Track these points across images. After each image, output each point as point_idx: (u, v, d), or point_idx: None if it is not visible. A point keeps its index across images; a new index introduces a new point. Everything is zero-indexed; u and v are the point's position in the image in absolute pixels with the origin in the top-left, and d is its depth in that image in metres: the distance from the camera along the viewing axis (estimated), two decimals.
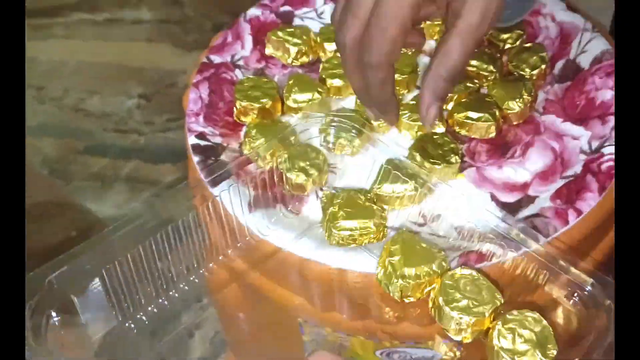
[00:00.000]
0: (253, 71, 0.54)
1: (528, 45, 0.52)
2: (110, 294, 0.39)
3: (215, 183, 0.44)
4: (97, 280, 0.38)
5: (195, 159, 0.47)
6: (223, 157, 0.48)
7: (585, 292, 0.37)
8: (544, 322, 0.37)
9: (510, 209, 0.44)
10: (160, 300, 0.42)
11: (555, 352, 0.36)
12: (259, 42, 0.56)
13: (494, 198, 0.45)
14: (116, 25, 1.20)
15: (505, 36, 0.54)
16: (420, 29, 0.42)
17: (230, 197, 0.44)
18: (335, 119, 0.46)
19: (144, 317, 0.42)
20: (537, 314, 0.37)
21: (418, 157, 0.46)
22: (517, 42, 0.53)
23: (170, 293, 0.42)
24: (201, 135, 0.49)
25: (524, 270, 0.39)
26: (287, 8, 0.58)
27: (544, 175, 0.46)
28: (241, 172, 0.44)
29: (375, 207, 0.43)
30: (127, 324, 0.41)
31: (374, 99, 0.43)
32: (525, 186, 0.46)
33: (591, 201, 0.43)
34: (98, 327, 0.40)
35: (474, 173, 0.47)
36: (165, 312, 0.42)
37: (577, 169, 0.46)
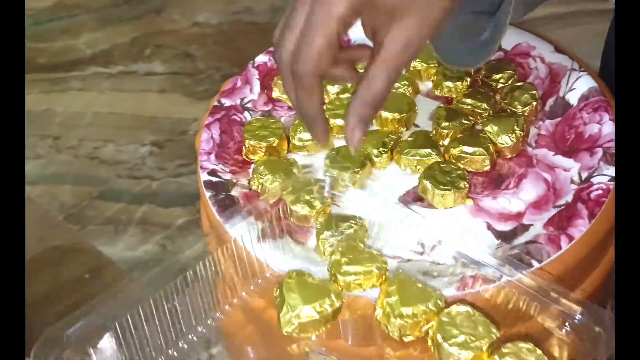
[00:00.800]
0: (261, 113, 0.58)
1: (519, 84, 0.56)
2: (123, 347, 0.41)
3: (231, 225, 0.46)
4: (109, 334, 0.40)
5: (208, 194, 0.50)
6: (233, 192, 0.51)
7: (576, 321, 0.38)
8: (538, 351, 0.38)
9: (506, 237, 0.47)
10: (170, 352, 0.43)
11: None
12: (266, 87, 0.60)
13: (490, 227, 0.48)
14: (130, 77, 1.26)
15: (497, 76, 0.57)
16: (354, 66, 0.44)
17: (250, 236, 0.46)
18: (332, 162, 0.50)
19: None
20: (531, 344, 0.39)
21: (429, 185, 0.48)
22: (509, 82, 0.57)
23: (180, 344, 0.44)
24: (213, 172, 0.52)
25: (517, 303, 0.41)
26: None
27: (537, 205, 0.49)
28: (252, 210, 0.47)
29: (375, 252, 0.45)
30: None
31: (303, 113, 0.43)
32: (519, 215, 0.48)
33: (582, 227, 0.45)
34: None
35: (470, 204, 0.49)
36: None
37: (569, 198, 0.48)
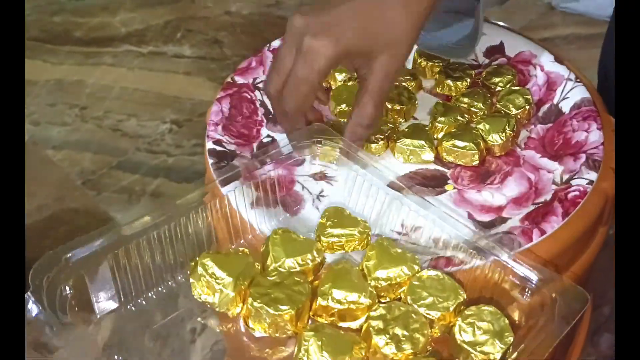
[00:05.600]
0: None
1: (516, 88, 0.58)
2: (116, 277, 0.43)
3: (225, 183, 0.50)
4: (105, 262, 0.43)
5: (210, 160, 0.54)
6: (235, 162, 0.55)
7: (534, 287, 0.41)
8: (500, 314, 0.41)
9: (484, 226, 0.49)
10: (159, 289, 0.46)
11: (512, 339, 0.40)
12: None
13: (470, 217, 0.50)
14: (159, 57, 1.31)
15: (497, 80, 0.60)
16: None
17: (236, 196, 0.49)
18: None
19: (144, 302, 0.45)
20: (493, 307, 0.41)
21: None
22: (507, 85, 0.59)
23: (169, 283, 0.46)
24: (218, 142, 0.56)
25: (483, 270, 0.44)
26: None
27: (518, 201, 0.51)
28: (248, 175, 0.50)
29: (359, 219, 0.48)
30: (128, 306, 0.45)
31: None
32: (500, 209, 0.51)
33: (554, 223, 0.48)
34: (103, 306, 0.44)
35: (455, 194, 0.52)
36: (163, 299, 0.46)
37: (547, 196, 0.51)
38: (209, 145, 0.55)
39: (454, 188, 0.53)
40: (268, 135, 0.57)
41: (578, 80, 0.59)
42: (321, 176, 0.54)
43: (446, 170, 0.54)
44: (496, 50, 0.64)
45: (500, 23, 0.67)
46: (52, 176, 1.06)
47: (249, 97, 0.61)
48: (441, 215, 0.49)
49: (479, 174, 0.54)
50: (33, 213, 0.99)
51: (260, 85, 0.62)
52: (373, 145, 0.55)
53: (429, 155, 0.54)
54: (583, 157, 0.53)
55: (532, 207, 0.50)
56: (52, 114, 1.19)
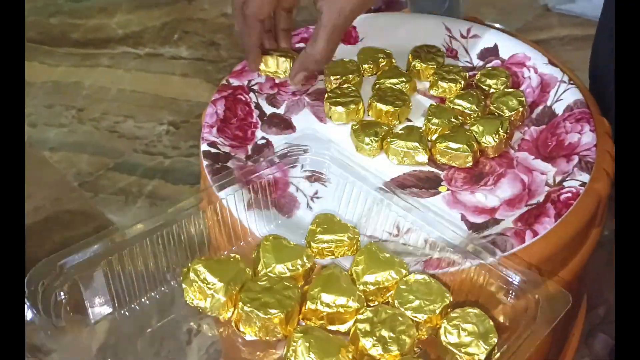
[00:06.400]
0: (266, 96, 0.62)
1: (510, 90, 0.59)
2: (110, 283, 0.44)
3: (221, 188, 0.50)
4: (99, 269, 0.43)
5: (205, 162, 0.54)
6: (229, 164, 0.55)
7: (518, 289, 0.42)
8: (484, 316, 0.41)
9: (477, 228, 0.50)
10: (153, 294, 0.47)
11: (496, 340, 0.40)
12: None
13: (463, 218, 0.51)
14: (156, 59, 1.31)
15: (491, 82, 0.60)
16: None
17: (235, 201, 0.49)
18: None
19: (137, 307, 0.46)
20: (478, 309, 0.42)
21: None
22: (501, 88, 0.60)
23: (162, 288, 0.47)
24: (213, 144, 0.56)
25: (469, 275, 0.44)
26: (302, 45, 0.66)
27: (511, 203, 0.52)
28: (242, 178, 0.51)
29: (349, 225, 0.48)
30: (122, 312, 0.45)
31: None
32: (493, 210, 0.51)
33: (547, 225, 0.48)
34: (98, 311, 0.45)
35: (448, 196, 0.52)
36: (157, 303, 0.47)
37: (540, 198, 0.51)
38: (204, 147, 0.56)
39: (448, 190, 0.53)
40: (263, 138, 0.58)
41: (571, 82, 0.59)
42: (315, 178, 0.54)
43: (440, 172, 0.54)
44: (490, 53, 0.64)
45: (497, 25, 0.67)
46: (49, 178, 1.06)
47: (243, 99, 0.61)
48: (430, 218, 0.49)
49: (472, 175, 0.54)
50: (30, 214, 0.99)
51: (256, 87, 0.62)
52: (367, 147, 0.56)
53: (422, 157, 0.55)
54: (576, 158, 0.53)
55: (525, 209, 0.51)
56: (49, 116, 1.19)
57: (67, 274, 0.42)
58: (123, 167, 1.08)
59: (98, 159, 1.10)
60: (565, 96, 0.58)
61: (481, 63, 0.64)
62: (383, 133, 0.56)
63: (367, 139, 0.56)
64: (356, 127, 0.57)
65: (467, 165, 0.54)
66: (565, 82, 0.59)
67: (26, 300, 0.40)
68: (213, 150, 0.55)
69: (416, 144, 0.55)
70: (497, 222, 0.50)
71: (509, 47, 0.64)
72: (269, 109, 0.60)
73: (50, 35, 1.38)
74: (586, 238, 0.53)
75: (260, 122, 0.59)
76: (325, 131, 0.58)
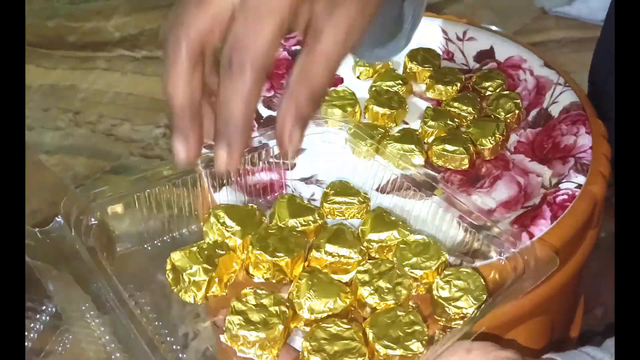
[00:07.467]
0: (262, 98, 0.62)
1: (505, 92, 0.59)
2: (136, 217, 0.47)
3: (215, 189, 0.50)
4: (123, 204, 0.47)
5: (201, 165, 0.54)
6: None
7: (509, 251, 0.44)
8: (476, 274, 0.43)
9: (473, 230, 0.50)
10: (164, 238, 0.50)
11: (485, 297, 0.42)
12: (269, 75, 0.63)
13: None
14: (152, 62, 1.31)
15: (487, 84, 0.60)
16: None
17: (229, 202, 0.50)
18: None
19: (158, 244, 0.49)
20: (470, 268, 0.44)
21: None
22: (497, 90, 0.60)
23: (184, 230, 0.50)
24: (209, 147, 0.56)
25: (465, 236, 0.47)
26: (298, 47, 0.66)
27: (507, 205, 0.52)
28: (239, 180, 0.51)
29: (361, 191, 0.51)
30: (143, 246, 0.49)
31: (233, 116, 0.34)
32: (489, 212, 0.51)
33: (543, 227, 0.48)
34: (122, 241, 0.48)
35: (443, 199, 0.52)
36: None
37: (537, 200, 0.51)
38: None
39: (444, 192, 0.53)
40: (259, 141, 0.57)
41: (567, 84, 0.59)
42: (312, 180, 0.54)
43: (436, 174, 0.54)
44: (486, 55, 0.64)
45: (493, 27, 0.67)
46: (46, 181, 1.06)
47: None
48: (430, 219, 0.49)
49: (468, 177, 0.54)
50: (26, 218, 0.98)
51: None
52: (363, 150, 0.56)
53: (418, 159, 0.55)
54: (572, 160, 0.53)
55: (521, 211, 0.51)
56: (45, 119, 1.19)
57: (99, 203, 0.45)
58: (120, 170, 1.09)
59: (95, 162, 1.10)
60: (561, 98, 0.58)
61: (477, 65, 0.64)
62: (379, 136, 0.56)
63: (362, 142, 0.56)
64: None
65: (464, 167, 0.54)
66: (561, 85, 0.59)
67: (60, 217, 0.43)
68: (210, 152, 0.55)
69: (412, 146, 0.55)
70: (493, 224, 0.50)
71: (505, 49, 0.64)
72: (265, 112, 0.60)
73: (47, 38, 1.38)
74: (582, 240, 0.53)
75: (256, 125, 0.59)
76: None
